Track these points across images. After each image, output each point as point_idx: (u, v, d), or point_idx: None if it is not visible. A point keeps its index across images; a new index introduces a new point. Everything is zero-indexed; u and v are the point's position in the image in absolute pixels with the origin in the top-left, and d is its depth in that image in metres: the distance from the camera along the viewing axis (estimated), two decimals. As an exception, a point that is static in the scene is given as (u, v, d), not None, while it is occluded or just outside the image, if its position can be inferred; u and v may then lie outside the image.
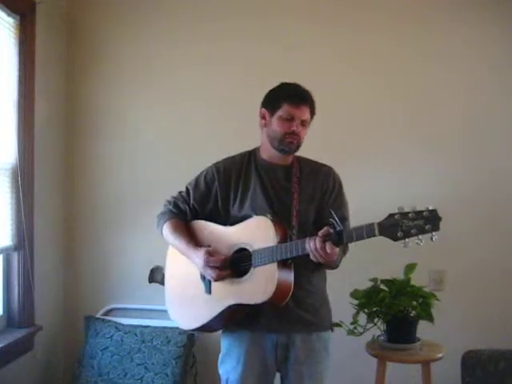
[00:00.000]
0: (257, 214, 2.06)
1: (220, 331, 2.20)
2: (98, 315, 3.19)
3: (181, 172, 2.28)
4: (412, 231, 1.73)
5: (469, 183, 3.09)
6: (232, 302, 2.02)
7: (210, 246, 2.09)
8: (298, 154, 2.17)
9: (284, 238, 1.98)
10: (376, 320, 2.62)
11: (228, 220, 2.14)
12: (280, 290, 1.94)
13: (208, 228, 2.15)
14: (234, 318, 2.08)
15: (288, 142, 2.07)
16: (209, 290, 2.09)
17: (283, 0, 3.22)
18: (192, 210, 2.19)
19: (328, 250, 1.84)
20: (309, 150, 2.18)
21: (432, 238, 1.73)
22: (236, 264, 2.05)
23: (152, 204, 2.32)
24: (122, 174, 3.29)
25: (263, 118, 2.13)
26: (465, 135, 3.13)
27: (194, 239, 2.13)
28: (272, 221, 2.00)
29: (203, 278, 2.09)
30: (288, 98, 2.06)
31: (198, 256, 2.05)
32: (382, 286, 2.65)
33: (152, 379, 2.89)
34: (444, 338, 2.73)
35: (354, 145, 3.15)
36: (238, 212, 2.12)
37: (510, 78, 3.10)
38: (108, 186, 3.29)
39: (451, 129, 3.12)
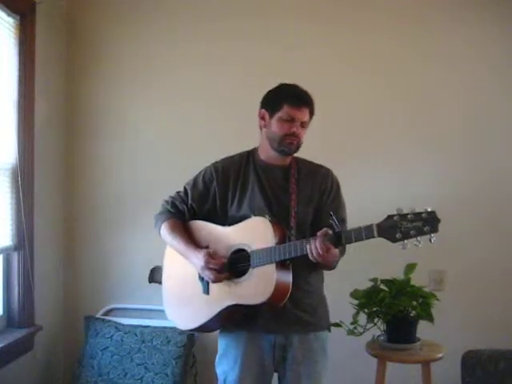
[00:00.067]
0: (255, 215, 2.06)
1: (217, 331, 2.20)
2: (98, 315, 3.19)
3: (181, 172, 2.28)
4: (411, 233, 1.73)
5: (469, 183, 3.09)
6: (230, 302, 2.02)
7: (208, 246, 2.09)
8: (296, 154, 2.17)
9: (282, 239, 1.98)
10: (376, 320, 2.62)
11: (226, 220, 2.14)
12: (278, 291, 1.94)
13: (206, 228, 2.15)
14: (232, 319, 2.08)
15: (288, 143, 2.07)
16: (207, 291, 2.08)
17: (283, 0, 3.22)
18: (190, 210, 2.19)
19: (327, 251, 1.84)
20: (309, 150, 2.18)
21: (431, 240, 1.73)
22: (234, 264, 2.05)
23: (152, 204, 2.32)
24: (122, 174, 3.29)
25: (262, 118, 2.13)
26: (465, 135, 3.13)
27: (192, 239, 2.13)
28: (270, 221, 2.00)
29: (201, 278, 2.09)
30: (288, 99, 2.06)
31: (198, 257, 2.04)
32: (382, 286, 2.65)
33: (152, 379, 2.89)
34: (444, 338, 2.73)
35: (354, 145, 3.15)
36: (236, 212, 2.12)
37: (509, 78, 3.10)
38: (108, 186, 3.29)
39: (451, 129, 3.12)
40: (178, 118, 3.24)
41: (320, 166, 2.20)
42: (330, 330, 2.19)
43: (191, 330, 2.24)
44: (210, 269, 2.01)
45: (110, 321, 3.12)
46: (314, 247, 1.86)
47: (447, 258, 3.04)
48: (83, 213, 3.31)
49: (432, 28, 3.12)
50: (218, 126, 3.16)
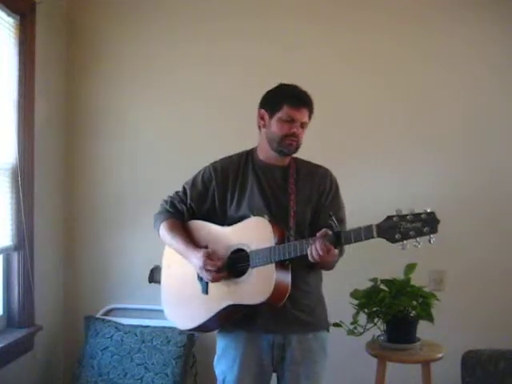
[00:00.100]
0: (254, 215, 2.06)
1: (216, 331, 2.20)
2: (98, 315, 3.19)
3: (181, 172, 2.28)
4: (410, 233, 1.73)
5: (469, 183, 3.09)
6: (229, 302, 2.02)
7: (207, 246, 2.09)
8: (296, 154, 2.16)
9: (282, 239, 1.98)
10: (376, 320, 2.62)
11: (225, 220, 2.14)
12: (278, 291, 1.94)
13: (205, 228, 2.15)
14: (231, 319, 2.08)
15: (287, 143, 2.07)
16: (206, 291, 2.08)
17: (283, 0, 3.22)
18: (189, 210, 2.19)
19: (327, 252, 1.84)
20: (309, 149, 2.18)
21: (430, 241, 1.74)
22: (233, 264, 2.05)
23: (152, 204, 2.32)
24: (122, 174, 3.29)
25: (262, 118, 2.13)
26: (465, 135, 3.13)
27: (191, 239, 2.13)
28: (270, 221, 2.00)
29: (200, 278, 2.09)
30: (288, 100, 2.05)
31: (197, 257, 2.04)
32: (382, 286, 2.65)
33: (152, 379, 2.89)
34: (444, 338, 2.73)
35: (354, 145, 3.15)
36: (235, 212, 2.12)
37: (509, 78, 3.10)
38: (108, 186, 3.29)
39: (451, 129, 3.12)
40: (178, 118, 3.24)
41: (319, 167, 2.20)
42: (328, 330, 2.19)
43: (190, 330, 2.24)
44: (208, 269, 2.01)
45: (110, 321, 3.12)
46: (314, 248, 1.86)
47: (447, 258, 3.04)
48: (83, 213, 3.31)
49: (432, 28, 3.12)
50: (217, 125, 3.16)
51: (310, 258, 1.88)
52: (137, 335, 3.01)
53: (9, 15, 2.78)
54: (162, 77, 3.24)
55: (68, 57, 3.30)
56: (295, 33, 3.15)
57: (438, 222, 1.72)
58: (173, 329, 2.91)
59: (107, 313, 3.24)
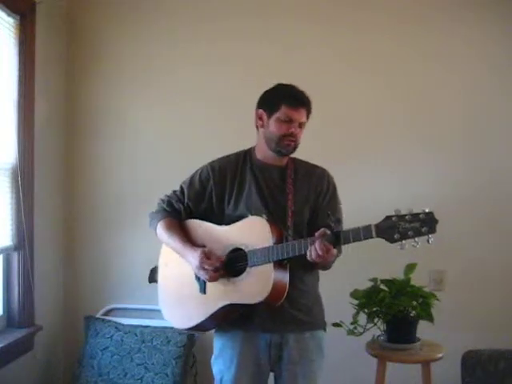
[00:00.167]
0: (252, 214, 2.06)
1: (213, 330, 2.20)
2: (98, 315, 3.19)
3: (181, 172, 2.28)
4: (409, 233, 1.74)
5: (469, 183, 3.09)
6: (227, 301, 2.02)
7: (204, 245, 2.08)
8: (295, 154, 2.16)
9: (280, 239, 1.98)
10: (376, 320, 2.62)
11: (223, 219, 2.14)
12: (276, 290, 1.94)
13: (203, 227, 2.15)
14: (228, 318, 2.08)
15: (286, 144, 2.07)
16: (203, 290, 2.08)
17: (283, 0, 3.22)
18: (186, 209, 2.19)
19: (327, 252, 1.85)
20: (309, 150, 2.18)
21: (428, 241, 1.74)
22: (231, 264, 2.05)
23: (152, 204, 2.32)
24: (122, 174, 3.29)
25: (260, 118, 2.13)
26: (465, 135, 3.13)
27: (188, 238, 2.13)
28: (268, 221, 2.00)
29: (198, 277, 2.09)
30: (286, 100, 2.06)
31: (194, 256, 2.04)
32: (382, 286, 2.65)
33: (152, 379, 2.89)
34: (444, 338, 2.73)
35: (354, 145, 3.15)
36: (232, 212, 2.12)
37: (510, 78, 3.10)
38: (108, 186, 3.29)
39: (451, 129, 3.12)
40: (178, 118, 3.24)
41: (316, 167, 2.20)
42: (325, 330, 2.19)
43: (187, 330, 2.24)
44: (205, 268, 2.01)
45: (110, 321, 3.12)
46: (313, 248, 1.86)
47: (447, 258, 3.04)
48: (83, 213, 3.31)
49: (432, 28, 3.11)
50: (217, 125, 3.16)
51: (308, 257, 1.88)
52: (137, 335, 3.01)
53: (9, 15, 2.78)
54: (161, 77, 3.24)
55: (68, 57, 3.30)
56: (295, 33, 3.15)
57: (436, 221, 1.73)
58: (173, 329, 2.89)
59: (107, 313, 3.24)
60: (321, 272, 2.18)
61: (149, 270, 2.90)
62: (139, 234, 3.18)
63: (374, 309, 2.60)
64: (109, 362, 2.97)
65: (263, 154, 2.15)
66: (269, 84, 2.16)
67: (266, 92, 2.15)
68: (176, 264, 2.16)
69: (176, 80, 3.22)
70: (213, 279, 2.02)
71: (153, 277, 2.80)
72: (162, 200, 2.24)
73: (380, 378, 2.60)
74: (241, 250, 2.04)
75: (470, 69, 3.11)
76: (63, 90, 3.28)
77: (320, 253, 1.85)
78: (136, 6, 3.28)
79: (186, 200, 2.19)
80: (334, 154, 3.08)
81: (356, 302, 2.64)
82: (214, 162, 2.21)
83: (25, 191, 2.82)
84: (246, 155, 2.19)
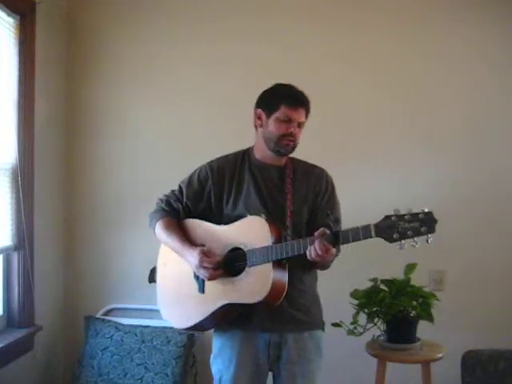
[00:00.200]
0: (251, 214, 2.06)
1: (212, 330, 2.20)
2: (98, 315, 3.19)
3: (181, 172, 2.28)
4: (408, 233, 1.74)
5: (469, 183, 3.09)
6: (226, 301, 2.03)
7: (203, 244, 2.09)
8: (295, 153, 2.17)
9: (279, 238, 1.98)
10: (376, 320, 2.62)
11: (221, 219, 2.14)
12: (275, 290, 1.94)
13: (202, 227, 2.15)
14: (227, 318, 2.09)
15: (285, 143, 2.08)
16: (202, 290, 2.08)
17: (283, 0, 3.22)
18: (185, 209, 2.19)
19: (326, 252, 1.85)
20: (309, 149, 2.18)
21: (428, 240, 1.74)
22: (230, 263, 2.05)
23: (152, 204, 2.31)
24: (122, 174, 3.29)
25: (259, 118, 2.13)
26: (465, 135, 3.13)
27: (187, 238, 2.13)
28: (267, 221, 2.01)
29: (196, 277, 2.09)
30: (286, 100, 2.06)
31: (193, 255, 2.04)
32: (382, 286, 2.65)
33: (152, 379, 2.89)
34: (444, 338, 2.73)
35: (354, 145, 3.15)
36: (231, 211, 2.12)
37: (509, 78, 3.10)
38: (108, 186, 3.29)
39: (451, 129, 3.12)
40: (178, 118, 3.24)
41: (315, 167, 2.20)
42: (323, 330, 2.19)
43: (186, 329, 2.25)
44: (204, 267, 2.01)
45: (110, 321, 3.12)
46: (312, 248, 1.86)
47: (447, 258, 3.05)
48: (83, 213, 3.31)
49: (432, 28, 3.11)
50: (217, 125, 3.16)
51: (308, 257, 1.88)
52: (137, 335, 3.01)
53: (9, 15, 2.78)
54: (162, 77, 3.24)
55: (68, 57, 3.30)
56: (295, 33, 3.15)
57: (435, 221, 1.73)
58: (173, 329, 2.89)
59: (107, 313, 3.24)
60: (321, 272, 2.18)
61: (149, 270, 2.90)
62: (139, 234, 3.18)
63: (374, 309, 2.60)
64: (109, 362, 2.97)
65: (262, 153, 2.15)
66: (269, 84, 2.16)
67: (265, 92, 2.15)
68: (174, 263, 2.16)
69: (176, 80, 3.22)
70: (212, 278, 2.02)
71: (153, 277, 2.80)
72: (161, 200, 2.24)
73: (380, 378, 2.60)
74: (240, 249, 2.04)
75: (469, 69, 3.11)
76: (63, 90, 3.28)
77: (319, 252, 1.85)
78: (136, 5, 3.28)
79: (184, 199, 2.19)
80: (334, 153, 3.08)
81: (356, 301, 2.64)
82: (212, 161, 2.21)
83: (25, 191, 2.82)
84: (245, 155, 2.19)
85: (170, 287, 2.21)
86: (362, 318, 2.62)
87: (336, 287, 2.85)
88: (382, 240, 1.78)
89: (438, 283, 3.06)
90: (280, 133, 2.06)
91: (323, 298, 2.22)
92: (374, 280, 2.68)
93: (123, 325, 3.08)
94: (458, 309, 3.01)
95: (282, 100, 2.06)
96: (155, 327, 3.02)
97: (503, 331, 2.98)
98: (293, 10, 3.18)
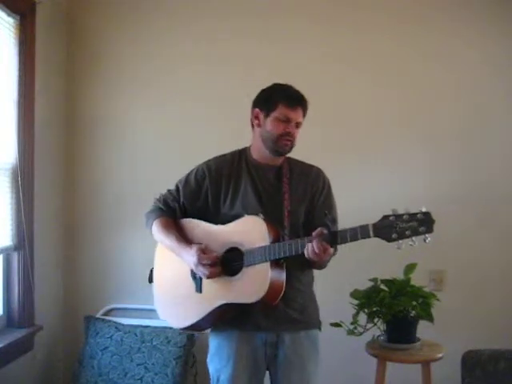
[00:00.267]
0: (248, 214, 2.06)
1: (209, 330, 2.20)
2: (98, 315, 3.19)
3: (181, 172, 2.28)
4: (406, 233, 1.75)
5: (469, 183, 3.09)
6: (224, 301, 2.02)
7: (201, 243, 2.08)
8: (294, 153, 2.17)
9: (277, 238, 1.98)
10: (376, 320, 2.62)
11: (218, 218, 2.13)
12: (272, 290, 1.94)
13: (199, 226, 2.15)
14: (224, 317, 2.09)
15: (283, 143, 2.08)
16: (199, 289, 2.08)
17: (283, 0, 3.22)
18: (181, 208, 2.19)
19: (324, 251, 1.86)
20: (309, 149, 2.18)
21: (425, 240, 1.74)
22: (228, 263, 2.05)
23: (152, 204, 2.32)
24: (122, 174, 3.29)
25: (256, 118, 2.13)
26: (464, 135, 3.12)
27: (184, 237, 2.13)
28: (264, 220, 2.01)
29: (194, 276, 2.09)
30: (284, 100, 2.06)
31: (190, 253, 2.04)
32: (382, 286, 2.65)
33: (152, 379, 2.89)
34: (444, 338, 2.73)
35: (354, 145, 3.15)
36: (228, 211, 2.12)
37: (509, 78, 3.10)
38: (108, 186, 3.29)
39: (451, 129, 3.12)
40: (178, 118, 3.24)
41: (311, 166, 2.21)
42: (320, 329, 2.19)
43: (183, 329, 2.25)
44: (203, 264, 2.00)
45: (110, 321, 3.12)
46: (310, 248, 1.87)
47: (447, 257, 3.05)
48: (83, 213, 3.31)
49: (432, 28, 3.11)
50: (217, 125, 3.16)
51: (306, 256, 1.89)
52: (137, 335, 3.01)
53: (9, 15, 2.78)
54: (162, 77, 3.24)
55: (68, 57, 3.30)
56: (295, 33, 3.15)
57: (433, 221, 1.73)
58: (173, 329, 2.89)
59: (107, 313, 3.24)
60: (321, 272, 2.18)
61: (149, 270, 2.90)
62: (139, 234, 3.15)
63: (374, 309, 2.60)
64: (109, 362, 2.97)
65: (259, 153, 2.15)
66: (269, 84, 2.16)
67: (263, 91, 2.15)
68: (171, 263, 2.16)
69: (176, 80, 3.22)
70: (211, 275, 2.02)
71: (153, 277, 2.80)
72: (158, 199, 2.24)
73: (380, 377, 2.60)
74: (237, 249, 2.04)
75: (469, 69, 3.11)
76: (63, 90, 3.28)
77: (317, 252, 1.85)
78: (136, 5, 3.28)
79: (181, 199, 2.19)
80: (334, 153, 3.08)
81: (356, 302, 2.64)
82: (209, 161, 2.21)
83: (25, 191, 2.82)
84: (242, 155, 2.19)
85: (167, 287, 2.21)
86: (362, 318, 2.62)
87: (336, 287, 2.85)
88: (382, 240, 1.78)
89: (438, 283, 3.06)
90: (278, 132, 2.07)
91: (323, 298, 2.23)
92: (374, 280, 2.68)
93: (123, 325, 3.08)
94: (457, 309, 3.01)
95: (280, 100, 2.06)
96: (155, 327, 3.02)
97: (503, 331, 2.98)
98: (293, 9, 3.17)
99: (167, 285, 2.21)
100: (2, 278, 2.88)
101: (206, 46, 3.20)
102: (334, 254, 2.05)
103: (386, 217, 1.78)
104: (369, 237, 1.80)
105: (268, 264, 1.95)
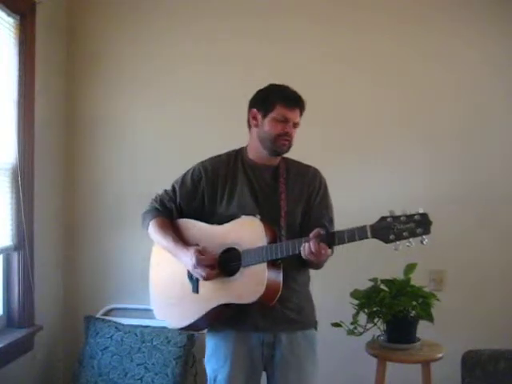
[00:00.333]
0: (244, 214, 2.06)
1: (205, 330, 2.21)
2: (98, 315, 3.19)
3: (181, 172, 2.27)
4: (404, 234, 1.76)
5: (469, 183, 3.09)
6: (221, 301, 2.02)
7: (198, 244, 2.08)
8: (294, 153, 2.17)
9: (274, 239, 1.99)
10: (376, 320, 2.62)
11: (214, 219, 2.13)
12: (270, 290, 1.95)
13: (196, 226, 2.15)
14: (221, 318, 2.09)
15: (281, 143, 2.08)
16: (196, 290, 2.08)
17: (283, 0, 3.22)
18: (178, 208, 2.19)
19: (322, 251, 1.86)
20: (309, 149, 2.18)
21: (422, 242, 1.75)
22: (224, 263, 2.05)
23: (148, 204, 2.32)
24: (122, 174, 3.29)
25: (254, 118, 2.13)
26: (464, 135, 3.13)
27: (181, 238, 2.13)
28: (261, 221, 2.01)
29: (190, 277, 2.09)
30: (282, 100, 2.07)
31: (187, 255, 2.04)
32: (382, 286, 2.65)
33: (152, 379, 2.89)
34: (444, 338, 2.73)
35: (354, 145, 3.15)
36: (225, 211, 2.12)
37: (510, 78, 3.10)
38: (108, 186, 3.29)
39: (451, 129, 3.12)
40: (178, 118, 3.24)
41: (308, 166, 2.21)
42: (316, 329, 2.18)
43: (180, 329, 2.25)
44: (202, 266, 2.00)
45: (110, 321, 3.12)
46: (307, 248, 1.87)
47: (447, 258, 3.05)
48: (83, 213, 3.31)
49: (432, 28, 3.11)
50: (217, 125, 3.16)
51: (303, 256, 1.89)
52: (137, 335, 3.01)
53: (9, 15, 2.78)
54: (162, 77, 3.24)
55: (68, 57, 3.30)
56: (295, 33, 3.15)
57: (430, 223, 1.74)
58: (173, 329, 2.91)
59: (107, 313, 3.24)
60: (321, 272, 2.18)
61: (149, 269, 2.89)
62: (139, 234, 3.13)
63: (374, 309, 2.61)
64: (109, 362, 2.97)
65: (255, 153, 2.15)
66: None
67: (260, 92, 2.16)
68: (168, 263, 2.16)
69: (176, 80, 3.22)
70: (209, 277, 2.02)
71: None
72: (154, 199, 2.24)
73: (380, 377, 2.60)
74: (234, 249, 2.04)
75: (469, 69, 3.11)
76: (63, 90, 3.28)
77: (314, 252, 1.86)
78: (136, 5, 3.28)
79: (178, 199, 2.19)
80: (334, 153, 3.09)
81: (356, 301, 2.64)
82: (205, 161, 2.21)
83: (25, 191, 2.82)
84: (238, 155, 2.19)
85: (164, 287, 2.21)
86: (362, 318, 2.62)
87: (336, 287, 2.85)
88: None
89: (438, 283, 3.06)
90: (276, 132, 2.07)
91: (323, 298, 2.23)
92: (374, 280, 2.68)
93: (123, 325, 3.08)
94: (457, 309, 3.01)
95: (277, 100, 2.07)
96: (155, 327, 3.02)
97: (503, 331, 2.98)
98: (293, 9, 3.17)
99: (164, 285, 2.21)
100: (2, 278, 2.88)
101: (206, 46, 3.20)
102: (331, 254, 2.05)
103: (383, 218, 1.79)
104: (366, 238, 1.80)
105: (265, 265, 1.95)
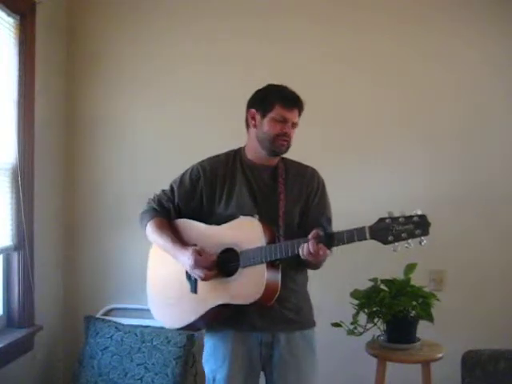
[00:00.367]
0: (243, 214, 2.06)
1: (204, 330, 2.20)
2: (98, 315, 3.19)
3: (181, 172, 2.28)
4: (402, 235, 1.76)
5: (469, 183, 3.09)
6: (219, 301, 2.02)
7: (196, 245, 2.08)
8: (293, 153, 2.17)
9: (272, 239, 1.99)
10: (376, 320, 2.62)
11: (212, 219, 2.13)
12: (268, 291, 1.95)
13: (194, 227, 2.15)
14: (220, 318, 2.09)
15: (280, 144, 2.08)
16: (194, 290, 2.08)
17: (283, 0, 3.22)
18: (176, 209, 2.19)
19: (321, 252, 1.86)
20: (309, 149, 2.18)
21: (421, 243, 1.75)
22: (223, 264, 2.05)
23: (146, 204, 2.32)
24: (122, 174, 3.29)
25: (253, 118, 2.13)
26: (464, 135, 3.12)
27: (179, 238, 2.13)
28: (260, 221, 2.01)
29: (188, 277, 2.09)
30: (280, 100, 2.07)
31: (186, 255, 2.04)
32: (382, 286, 2.65)
33: (152, 379, 2.89)
34: (444, 338, 2.73)
35: (354, 145, 3.15)
36: (223, 211, 2.12)
37: (510, 78, 3.10)
38: (108, 186, 3.29)
39: (451, 129, 3.12)
40: (178, 118, 3.24)
41: (306, 167, 2.21)
42: (313, 329, 2.19)
43: (178, 329, 2.26)
44: (200, 266, 2.00)
45: (110, 321, 3.12)
46: (306, 248, 1.87)
47: (447, 257, 3.05)
48: (83, 213, 3.31)
49: (432, 28, 3.11)
50: (217, 125, 3.16)
51: (301, 256, 1.89)
52: (137, 335, 3.01)
53: (9, 15, 2.78)
54: (162, 77, 3.24)
55: (68, 57, 3.29)
56: (295, 33, 3.15)
57: (429, 224, 1.75)
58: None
59: (107, 313, 3.24)
60: (321, 272, 2.18)
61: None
62: (139, 234, 3.13)
63: (374, 309, 2.61)
64: (109, 362, 2.97)
65: (254, 153, 2.15)
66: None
67: (258, 92, 2.16)
68: (166, 263, 2.16)
69: (176, 80, 3.22)
70: (207, 278, 2.01)
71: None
72: (152, 199, 2.24)
73: (380, 377, 2.60)
74: (233, 250, 2.04)
75: (469, 69, 3.11)
76: (63, 90, 3.28)
77: (313, 252, 1.86)
78: (136, 5, 3.28)
79: (176, 199, 2.19)
80: (334, 153, 3.09)
81: (356, 302, 2.64)
82: (203, 161, 2.21)
83: (25, 191, 2.82)
84: (236, 155, 2.19)
85: (161, 288, 2.21)
86: (362, 318, 2.62)
87: (336, 287, 2.85)
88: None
89: (438, 283, 3.06)
90: (275, 133, 2.07)
91: (323, 298, 2.23)
92: (374, 280, 2.68)
93: (123, 325, 3.08)
94: (457, 309, 3.01)
95: (276, 100, 2.07)
96: (155, 327, 3.02)
97: (503, 331, 2.98)
98: (293, 9, 3.17)
99: (161, 285, 2.21)
100: (2, 278, 2.88)
101: (206, 46, 3.20)
102: (329, 255, 2.06)
103: (382, 219, 1.79)
104: (365, 239, 1.81)
105: (264, 265, 1.95)
